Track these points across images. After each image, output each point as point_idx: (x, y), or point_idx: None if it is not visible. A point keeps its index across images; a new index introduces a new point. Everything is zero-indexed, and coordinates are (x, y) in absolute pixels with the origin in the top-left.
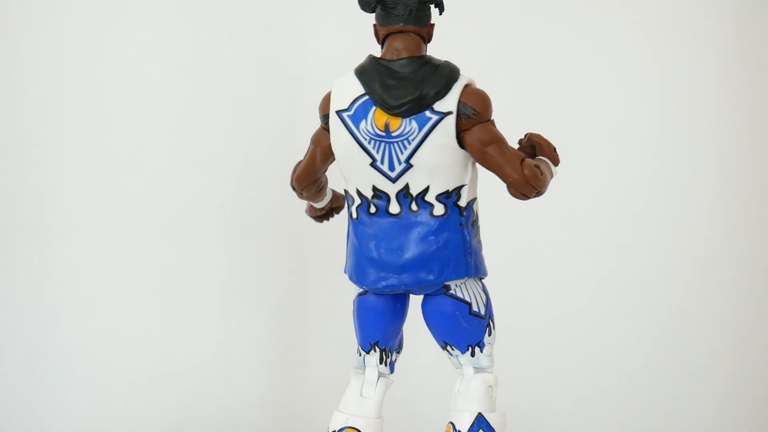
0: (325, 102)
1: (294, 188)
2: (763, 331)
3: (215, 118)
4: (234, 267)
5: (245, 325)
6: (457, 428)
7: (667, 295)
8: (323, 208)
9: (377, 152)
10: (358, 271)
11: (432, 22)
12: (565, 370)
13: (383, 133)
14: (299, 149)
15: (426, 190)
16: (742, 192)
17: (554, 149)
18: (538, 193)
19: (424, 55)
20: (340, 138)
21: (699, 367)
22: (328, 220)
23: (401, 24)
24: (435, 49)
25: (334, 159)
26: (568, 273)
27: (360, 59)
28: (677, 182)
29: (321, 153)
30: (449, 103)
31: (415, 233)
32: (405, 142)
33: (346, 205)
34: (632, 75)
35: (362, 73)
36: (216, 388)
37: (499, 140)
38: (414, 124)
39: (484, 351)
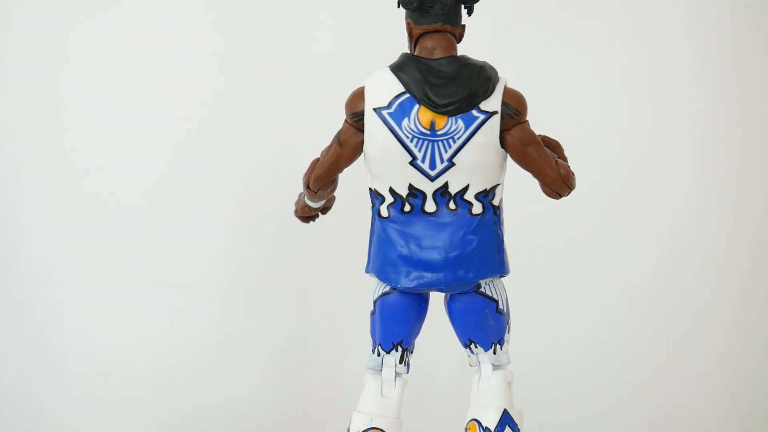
0: (358, 99)
1: (308, 187)
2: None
3: (216, 118)
4: (234, 267)
5: (245, 325)
6: (484, 425)
7: (670, 297)
8: (318, 208)
9: (419, 150)
10: (390, 270)
11: (463, 23)
12: (568, 371)
13: (428, 132)
14: (300, 149)
15: (465, 188)
16: (744, 194)
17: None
18: (569, 192)
19: (462, 55)
20: (378, 136)
21: (702, 370)
22: (314, 220)
23: (439, 23)
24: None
25: (358, 157)
26: (570, 274)
27: (361, 59)
28: (679, 184)
29: (348, 151)
30: (494, 102)
31: (454, 232)
32: (450, 140)
33: (371, 205)
34: (635, 76)
35: (401, 70)
36: (216, 388)
37: (536, 141)
38: (460, 122)
39: (503, 348)
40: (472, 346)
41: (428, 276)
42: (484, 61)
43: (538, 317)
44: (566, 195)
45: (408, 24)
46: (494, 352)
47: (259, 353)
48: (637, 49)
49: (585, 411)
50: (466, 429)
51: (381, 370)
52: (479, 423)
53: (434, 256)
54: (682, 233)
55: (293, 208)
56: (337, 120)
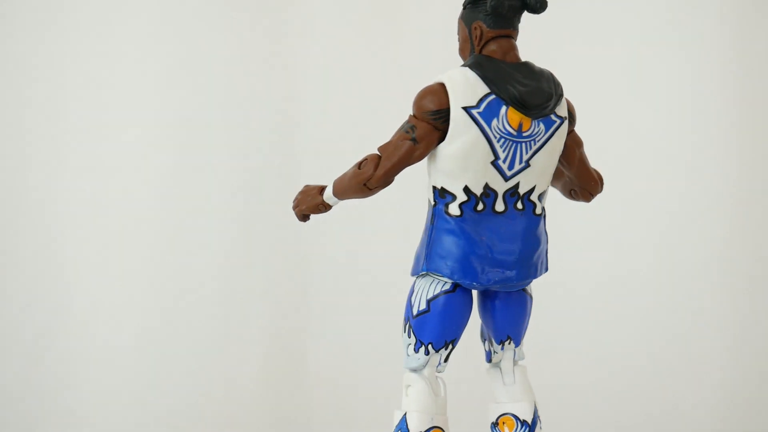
0: (439, 96)
1: (365, 185)
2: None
3: (216, 117)
4: (234, 267)
5: (245, 325)
6: (522, 418)
7: (670, 296)
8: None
9: (503, 151)
10: (462, 267)
11: None
12: (567, 370)
13: (515, 133)
14: (299, 149)
15: (532, 189)
16: (745, 194)
17: None
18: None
19: (529, 60)
20: (467, 134)
21: (702, 369)
22: (309, 218)
23: (511, 29)
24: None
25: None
26: (570, 273)
27: (360, 60)
28: (678, 183)
29: (424, 148)
30: (564, 108)
31: (523, 231)
32: (531, 142)
33: (433, 203)
34: (635, 76)
35: (483, 71)
36: (215, 388)
37: (583, 146)
38: (542, 126)
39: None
40: (506, 342)
41: (503, 273)
42: (546, 68)
43: (538, 316)
44: (596, 195)
45: (477, 26)
46: (520, 348)
47: (258, 353)
48: (637, 49)
49: (585, 408)
50: (497, 423)
51: (423, 370)
52: (516, 417)
53: (507, 254)
54: (685, 233)
55: (293, 204)
56: (337, 120)
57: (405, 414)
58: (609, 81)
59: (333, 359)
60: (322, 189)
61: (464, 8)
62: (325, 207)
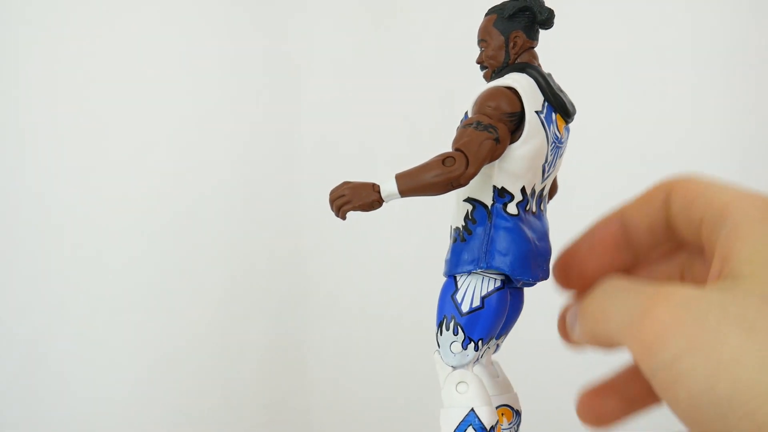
0: (513, 100)
1: (452, 183)
2: None
3: (216, 119)
4: (234, 267)
5: (245, 325)
6: (515, 408)
7: None
8: None
9: (551, 155)
10: (522, 264)
11: None
12: (563, 369)
13: (559, 138)
14: (299, 149)
15: (548, 192)
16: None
17: None
18: None
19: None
20: (538, 137)
21: None
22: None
23: (537, 41)
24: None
25: None
26: None
27: (360, 60)
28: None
29: (502, 149)
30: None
31: (546, 231)
32: (561, 148)
33: (491, 202)
34: (629, 74)
35: (537, 77)
36: (215, 388)
37: None
38: (566, 133)
39: None
40: (503, 336)
41: (542, 269)
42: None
43: (534, 317)
44: None
45: (518, 36)
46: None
47: (258, 354)
48: (634, 50)
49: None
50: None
51: (468, 366)
52: (511, 407)
53: (544, 251)
54: None
55: (338, 201)
56: (339, 121)
57: (472, 409)
58: (606, 82)
59: (333, 359)
60: (374, 185)
61: (501, 17)
62: (379, 205)
